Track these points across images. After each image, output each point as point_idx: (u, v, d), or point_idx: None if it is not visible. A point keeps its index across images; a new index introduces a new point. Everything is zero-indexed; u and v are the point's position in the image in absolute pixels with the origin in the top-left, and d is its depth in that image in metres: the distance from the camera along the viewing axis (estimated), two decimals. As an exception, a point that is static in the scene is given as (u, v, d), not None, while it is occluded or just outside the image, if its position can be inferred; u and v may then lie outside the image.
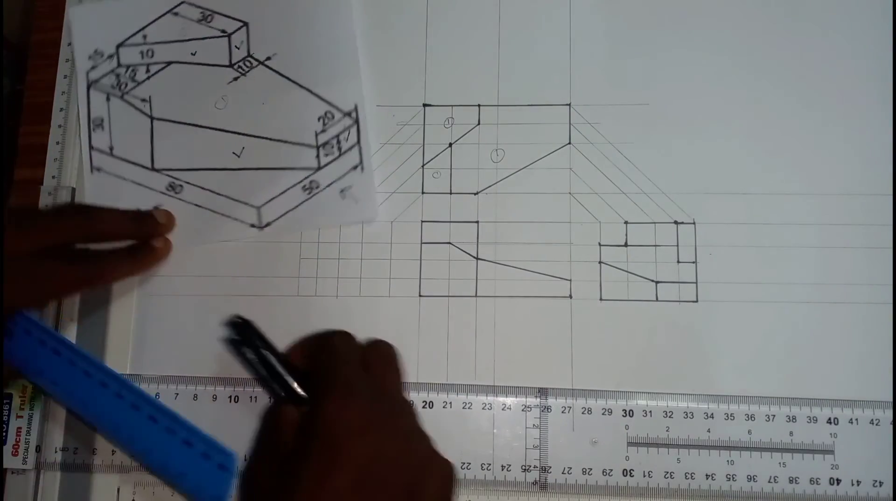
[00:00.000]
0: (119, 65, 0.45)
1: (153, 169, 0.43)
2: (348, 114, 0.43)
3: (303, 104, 0.43)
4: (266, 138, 0.43)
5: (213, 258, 0.42)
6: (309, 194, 0.42)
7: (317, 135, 0.43)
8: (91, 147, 0.44)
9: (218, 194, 0.43)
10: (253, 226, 0.42)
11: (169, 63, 0.45)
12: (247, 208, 0.42)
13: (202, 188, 0.43)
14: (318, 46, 0.44)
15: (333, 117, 0.43)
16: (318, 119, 0.43)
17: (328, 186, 0.42)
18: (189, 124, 0.44)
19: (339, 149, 0.43)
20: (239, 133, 0.43)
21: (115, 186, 0.44)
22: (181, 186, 0.43)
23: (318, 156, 0.43)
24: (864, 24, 0.43)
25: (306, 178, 0.43)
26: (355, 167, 0.42)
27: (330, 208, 0.42)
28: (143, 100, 0.44)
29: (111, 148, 0.44)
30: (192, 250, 0.42)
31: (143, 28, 0.45)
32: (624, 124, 0.43)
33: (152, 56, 0.45)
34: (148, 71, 0.45)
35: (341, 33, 0.44)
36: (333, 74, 0.44)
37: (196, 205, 0.43)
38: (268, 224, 0.42)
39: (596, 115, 0.43)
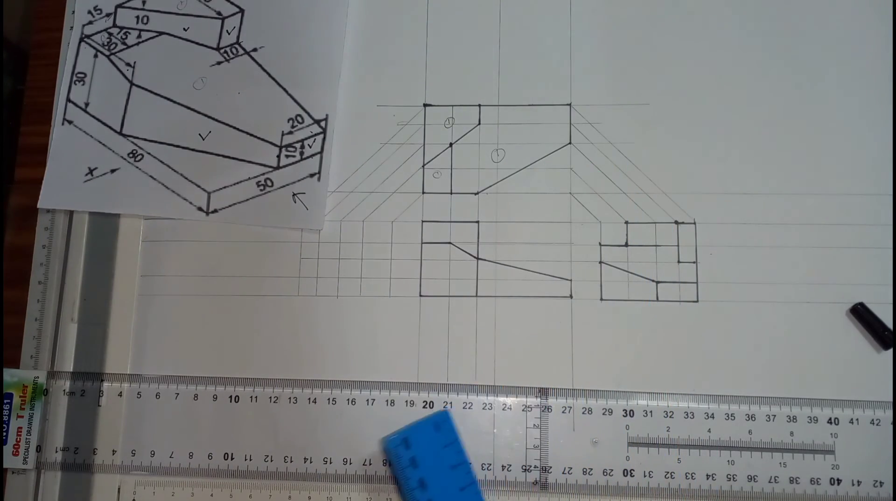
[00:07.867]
0: (114, 25, 0.46)
1: (120, 133, 0.44)
2: (318, 122, 0.43)
3: (276, 102, 0.44)
4: (233, 127, 0.44)
5: (214, 258, 0.42)
6: (262, 190, 0.43)
7: (283, 135, 0.43)
8: (68, 99, 0.45)
9: (175, 170, 0.43)
10: (200, 209, 0.43)
11: (160, 33, 0.45)
12: (198, 191, 0.43)
13: (161, 162, 0.43)
14: (306, 50, 0.44)
15: (303, 121, 0.43)
16: (288, 120, 0.43)
17: (282, 187, 0.43)
18: (165, 97, 0.44)
19: (301, 154, 0.43)
20: (209, 117, 0.44)
21: (80, 142, 0.44)
22: (142, 155, 0.43)
23: (279, 155, 0.43)
24: (863, 24, 0.43)
25: (263, 174, 0.43)
26: (312, 175, 0.43)
27: (279, 209, 0.42)
28: (128, 64, 0.45)
29: (86, 104, 0.45)
30: (192, 250, 0.42)
31: None
32: (624, 124, 0.43)
33: (146, 23, 0.45)
34: (139, 37, 0.45)
35: (331, 42, 0.44)
36: (313, 80, 0.44)
37: (151, 177, 0.43)
38: (215, 211, 0.43)
39: (596, 115, 0.43)
